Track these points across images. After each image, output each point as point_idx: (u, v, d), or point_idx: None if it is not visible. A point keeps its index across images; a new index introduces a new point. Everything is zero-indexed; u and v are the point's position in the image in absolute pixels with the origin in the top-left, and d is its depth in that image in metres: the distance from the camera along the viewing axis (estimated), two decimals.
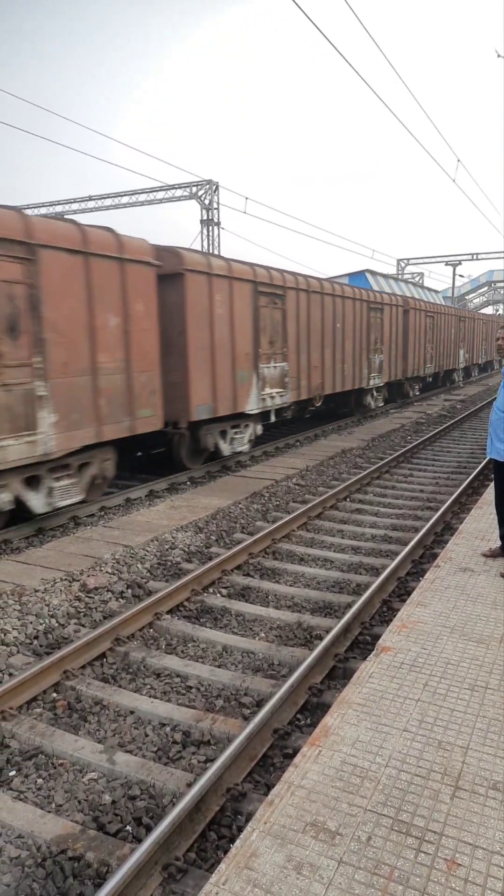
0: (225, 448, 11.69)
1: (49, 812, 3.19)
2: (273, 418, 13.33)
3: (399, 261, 46.08)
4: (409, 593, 5.70)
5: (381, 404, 20.11)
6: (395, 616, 4.55)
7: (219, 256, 12.14)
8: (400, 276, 41.95)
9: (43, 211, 30.45)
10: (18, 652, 4.81)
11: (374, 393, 19.49)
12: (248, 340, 11.92)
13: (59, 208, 31.26)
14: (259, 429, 13.00)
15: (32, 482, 7.65)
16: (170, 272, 9.84)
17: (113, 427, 8.59)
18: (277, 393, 13.14)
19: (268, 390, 12.75)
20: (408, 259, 46.14)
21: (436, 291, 33.96)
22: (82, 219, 28.81)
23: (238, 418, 11.95)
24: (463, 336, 29.77)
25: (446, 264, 44.51)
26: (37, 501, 7.67)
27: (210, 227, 28.03)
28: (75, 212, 30.87)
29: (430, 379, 25.56)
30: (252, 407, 12.19)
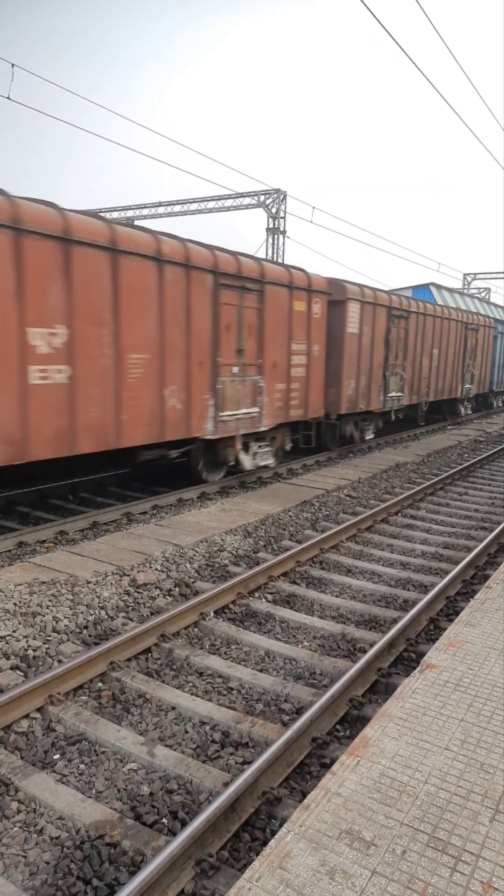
0: None
1: (89, 797, 3.28)
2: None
3: (465, 275, 45.23)
4: (457, 613, 5.60)
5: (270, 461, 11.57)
6: (441, 634, 4.48)
7: None
8: (465, 291, 41.18)
9: (115, 215, 31.28)
10: (68, 640, 4.96)
11: (255, 445, 10.98)
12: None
13: (129, 213, 32.04)
14: None
15: None
16: None
17: None
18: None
19: None
20: (475, 274, 45.23)
21: (503, 308, 33.15)
22: (151, 224, 29.45)
23: None
24: (475, 351, 21.27)
25: None
26: None
27: (276, 236, 28.20)
28: (146, 217, 31.57)
29: (401, 416, 16.82)
30: None
